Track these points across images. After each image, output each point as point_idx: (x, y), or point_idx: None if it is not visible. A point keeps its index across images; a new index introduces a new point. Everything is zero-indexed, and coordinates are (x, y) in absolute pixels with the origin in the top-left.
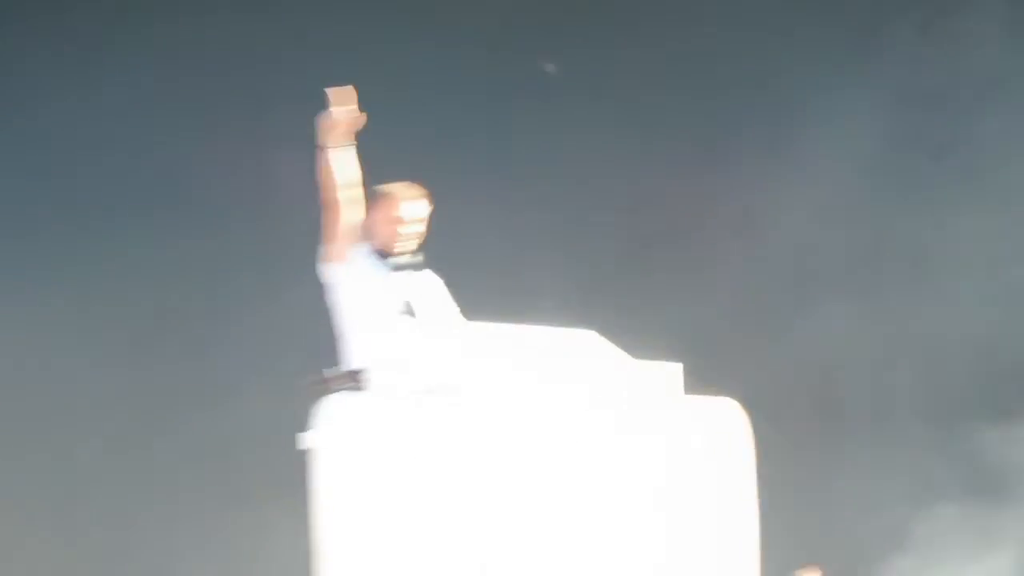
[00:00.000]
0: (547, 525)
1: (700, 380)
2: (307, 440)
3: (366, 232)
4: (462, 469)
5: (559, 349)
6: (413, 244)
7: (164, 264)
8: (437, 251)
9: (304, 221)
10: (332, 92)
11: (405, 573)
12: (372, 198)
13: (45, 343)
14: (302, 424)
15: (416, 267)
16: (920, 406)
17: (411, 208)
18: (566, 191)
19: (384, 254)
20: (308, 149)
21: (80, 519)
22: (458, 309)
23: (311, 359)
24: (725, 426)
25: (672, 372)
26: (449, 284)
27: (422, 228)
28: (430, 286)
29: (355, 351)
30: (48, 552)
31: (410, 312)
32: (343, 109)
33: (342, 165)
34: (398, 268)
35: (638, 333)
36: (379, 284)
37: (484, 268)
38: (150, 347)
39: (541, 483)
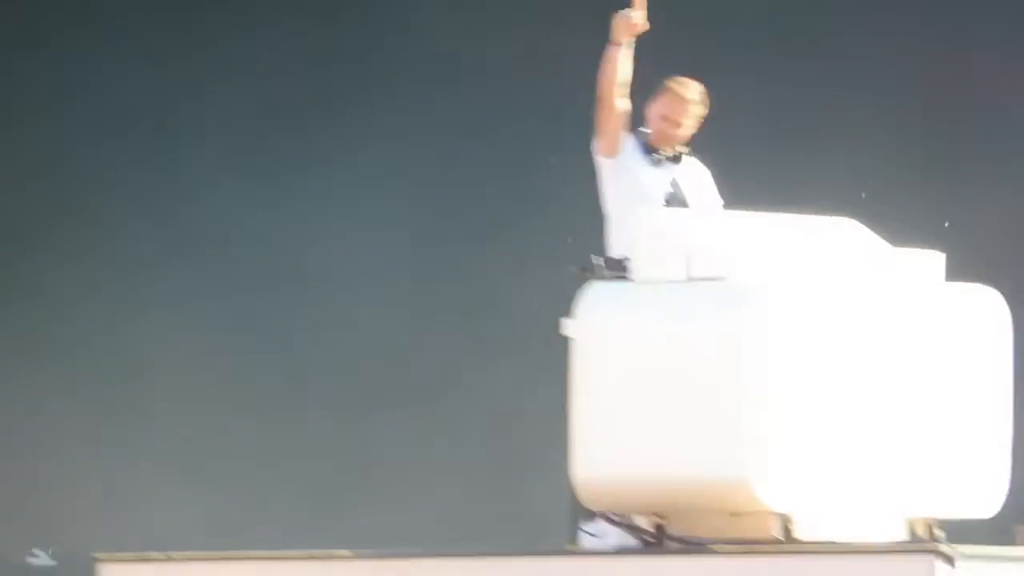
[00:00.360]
0: (818, 408)
1: (963, 271)
2: (570, 326)
3: (642, 121)
4: (721, 351)
5: (820, 236)
6: (681, 141)
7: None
8: (706, 143)
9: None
10: None
11: (660, 455)
12: (656, 90)
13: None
14: (568, 310)
15: (682, 159)
16: None
17: (682, 109)
18: (836, 89)
19: (652, 147)
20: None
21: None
22: (720, 200)
23: (578, 248)
24: (985, 314)
25: (934, 260)
26: (716, 175)
27: (694, 127)
28: (696, 175)
29: (620, 239)
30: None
31: (675, 201)
32: (640, 12)
33: (625, 64)
34: (665, 160)
35: (902, 225)
36: (646, 174)
37: (747, 161)
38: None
39: (806, 366)
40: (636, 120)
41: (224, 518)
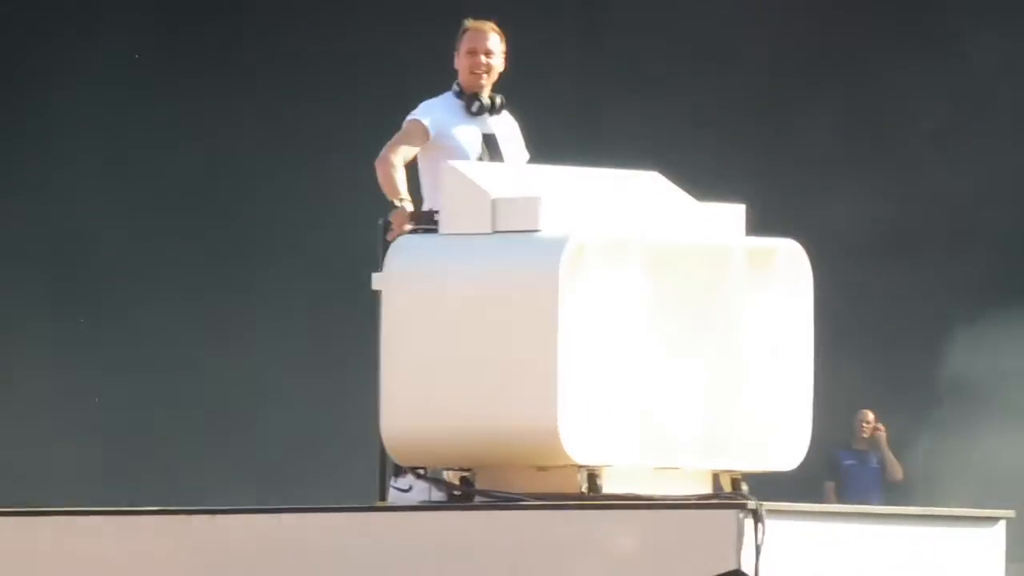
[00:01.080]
0: (624, 362)
1: (764, 224)
2: (378, 280)
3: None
4: (530, 303)
5: (625, 188)
6: (488, 79)
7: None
8: (514, 91)
9: None
10: None
11: (468, 409)
12: (456, 39)
13: None
14: (375, 264)
15: (494, 108)
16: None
17: (483, 38)
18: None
19: (464, 92)
20: None
21: None
22: (527, 155)
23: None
24: (786, 267)
25: (735, 212)
26: (524, 125)
27: (497, 62)
28: (507, 127)
29: (429, 193)
30: None
31: (488, 156)
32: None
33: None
34: (478, 110)
35: (706, 178)
36: (460, 132)
37: (560, 110)
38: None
39: (613, 319)
40: (450, 79)
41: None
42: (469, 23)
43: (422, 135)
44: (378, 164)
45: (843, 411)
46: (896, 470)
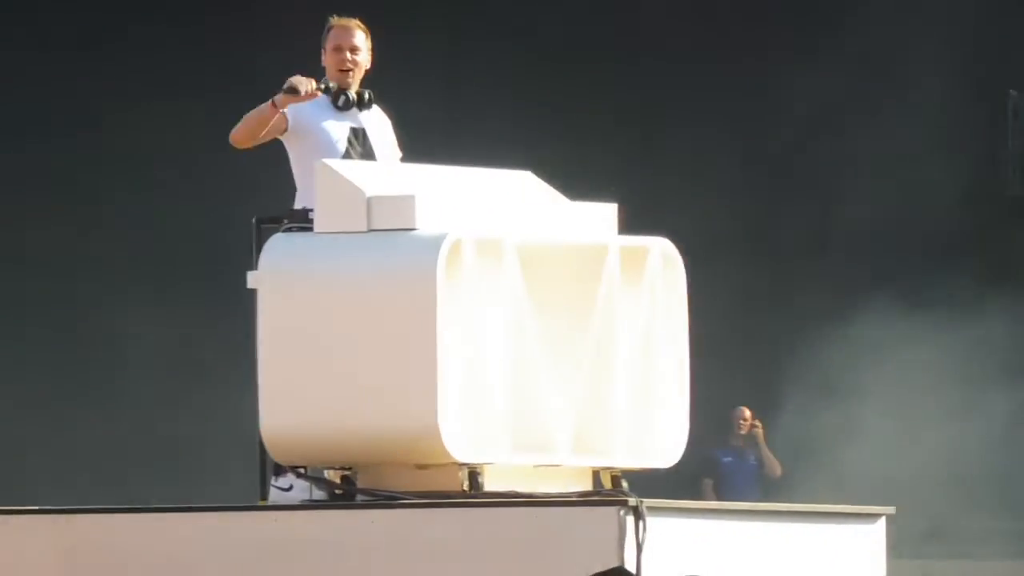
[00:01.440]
0: (503, 359)
1: (636, 223)
2: (254, 278)
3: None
4: (409, 302)
5: (498, 187)
6: (355, 75)
7: None
8: (382, 87)
9: None
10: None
11: (348, 408)
12: (322, 37)
13: None
14: (249, 264)
15: (362, 102)
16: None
17: (349, 35)
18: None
19: (337, 91)
20: None
21: None
22: (399, 152)
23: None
24: (659, 265)
25: (607, 211)
26: (396, 120)
27: (363, 59)
28: (378, 123)
29: (303, 191)
30: None
31: (357, 150)
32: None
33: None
34: (344, 105)
35: (576, 175)
36: (328, 125)
37: (429, 103)
38: None
39: (491, 317)
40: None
41: None
42: (334, 20)
43: (279, 119)
44: (233, 135)
45: (719, 409)
46: (775, 467)
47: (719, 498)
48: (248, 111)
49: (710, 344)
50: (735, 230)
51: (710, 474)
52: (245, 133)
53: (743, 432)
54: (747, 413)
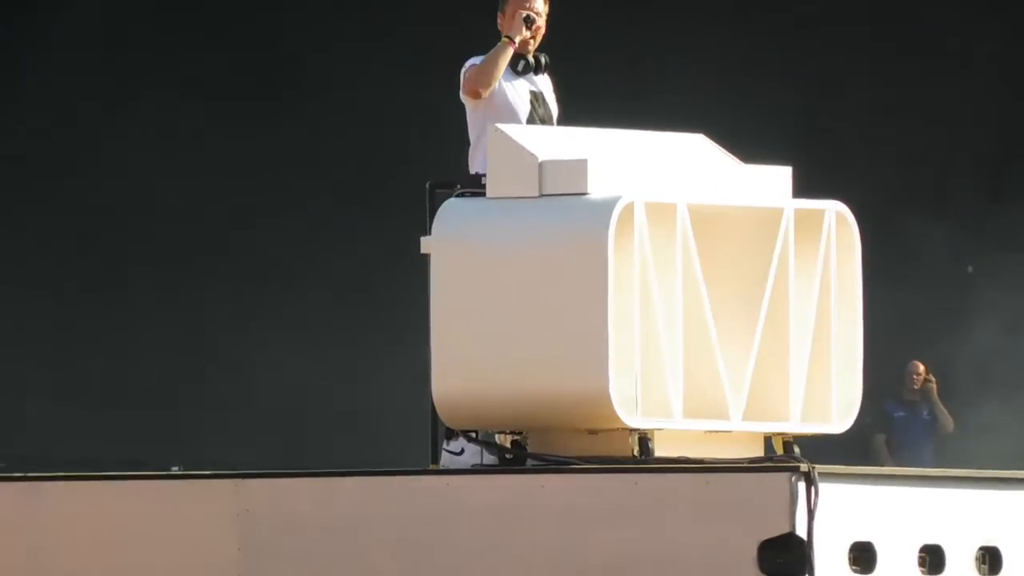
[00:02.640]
0: (676, 325)
1: (810, 185)
2: (427, 244)
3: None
4: (581, 266)
5: (671, 151)
6: (535, 41)
7: None
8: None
9: None
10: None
11: (519, 372)
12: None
13: None
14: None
15: (539, 67)
16: None
17: (531, 1)
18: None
19: (516, 54)
20: None
21: None
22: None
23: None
24: (833, 228)
25: (782, 175)
26: (568, 87)
27: (542, 24)
28: (548, 87)
29: (476, 157)
30: None
31: (537, 115)
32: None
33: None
34: (524, 69)
35: (750, 138)
36: (511, 90)
37: (600, 70)
38: None
39: (664, 282)
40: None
41: None
42: None
43: None
44: (470, 79)
45: (892, 363)
46: (947, 422)
47: (892, 454)
48: None
49: (884, 297)
50: (911, 189)
51: (883, 429)
52: (488, 77)
53: (916, 387)
54: (921, 367)
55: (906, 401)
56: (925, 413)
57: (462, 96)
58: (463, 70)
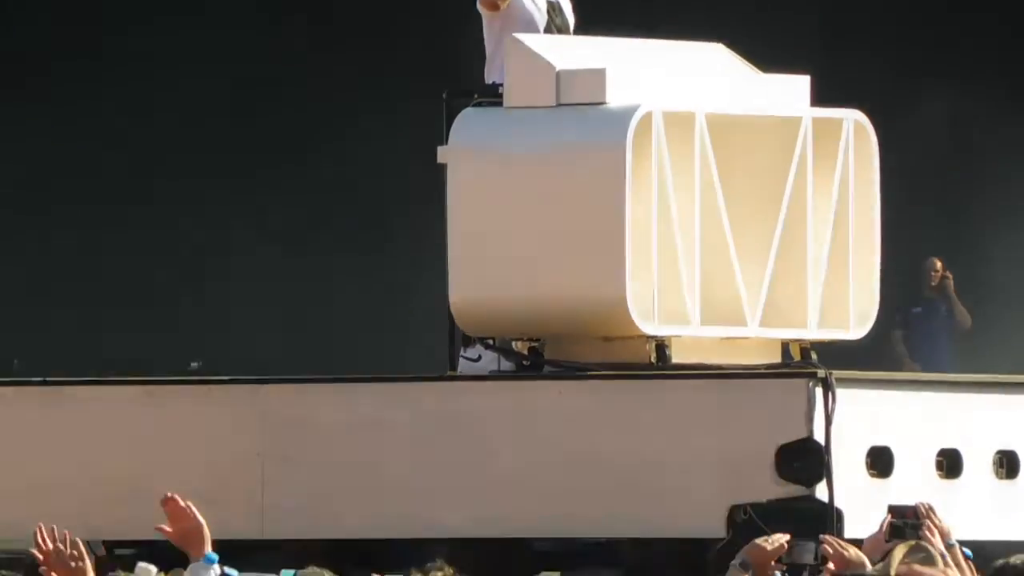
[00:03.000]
0: (692, 233)
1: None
2: (444, 153)
3: None
4: (598, 175)
5: (688, 61)
6: None
7: None
8: None
9: None
10: None
11: (536, 280)
12: None
13: None
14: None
15: None
16: None
17: None
18: None
19: None
20: None
21: None
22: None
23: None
24: (851, 137)
25: (800, 83)
26: None
27: None
28: (567, 9)
29: (493, 68)
30: None
31: (555, 24)
32: None
33: None
34: None
35: (768, 47)
36: (529, 16)
37: None
38: None
39: (680, 191)
40: None
41: None
42: None
43: None
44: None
45: (910, 259)
46: (965, 318)
47: (910, 350)
48: None
49: (904, 194)
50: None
51: (901, 326)
52: None
53: (934, 283)
54: (938, 264)
55: (924, 298)
56: (943, 309)
57: (479, 7)
58: None
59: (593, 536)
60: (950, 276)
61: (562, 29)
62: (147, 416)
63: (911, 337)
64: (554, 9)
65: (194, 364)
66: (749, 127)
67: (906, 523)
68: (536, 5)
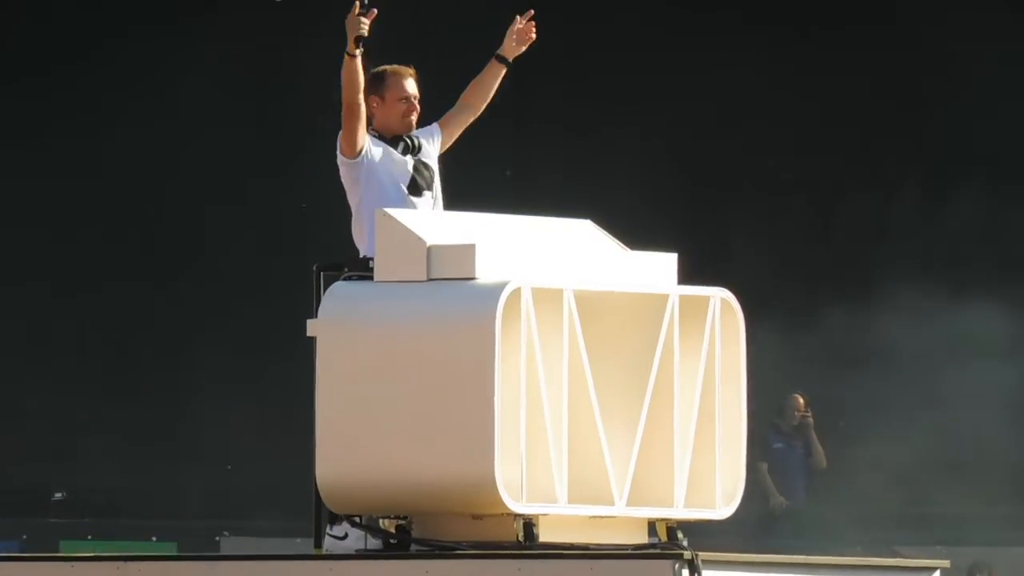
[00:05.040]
0: (561, 410)
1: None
2: (313, 326)
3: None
4: (467, 351)
5: (558, 236)
6: (414, 120)
7: None
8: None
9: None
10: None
11: (404, 457)
12: (373, 83)
13: None
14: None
15: (416, 149)
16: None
17: (410, 84)
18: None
19: (384, 136)
20: None
21: None
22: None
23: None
24: (718, 315)
25: (667, 261)
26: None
27: (416, 104)
28: (432, 152)
29: (362, 238)
30: None
31: (418, 187)
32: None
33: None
34: (404, 151)
35: (636, 227)
36: (391, 164)
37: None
38: None
39: (550, 368)
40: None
41: None
42: (391, 68)
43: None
44: (345, 130)
45: (773, 391)
46: (820, 458)
47: (774, 482)
48: None
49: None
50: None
51: (765, 458)
52: (352, 92)
53: (795, 422)
54: (800, 402)
55: (784, 433)
56: (800, 447)
57: (342, 161)
58: (337, 141)
59: None
60: (810, 415)
61: (430, 182)
62: None
63: (772, 470)
64: (421, 164)
65: (57, 495)
66: (617, 303)
67: None
68: (397, 164)
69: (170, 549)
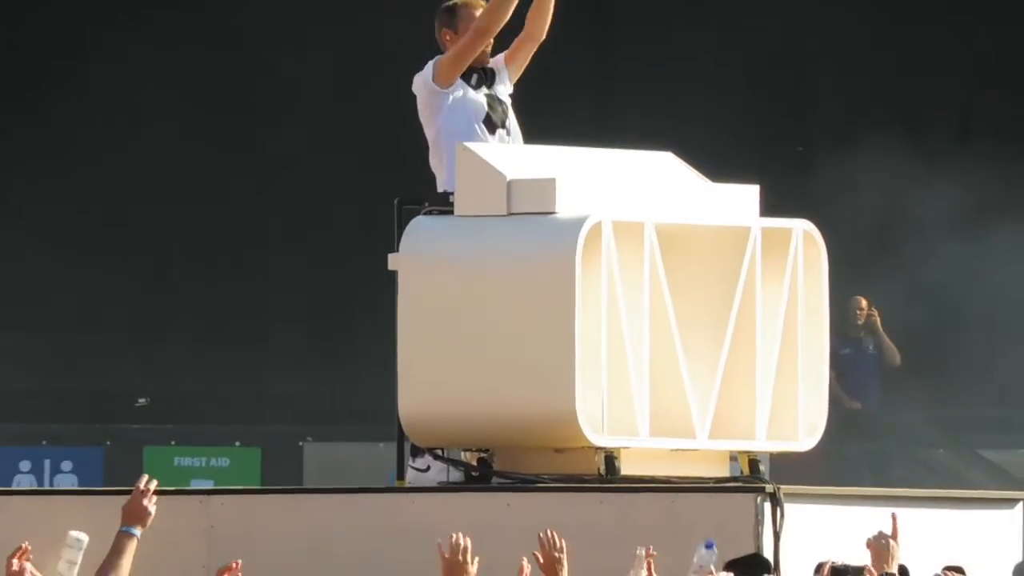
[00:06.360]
0: (642, 344)
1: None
2: (395, 261)
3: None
4: (548, 285)
5: (639, 170)
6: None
7: None
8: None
9: None
10: None
11: (486, 390)
12: (446, 17)
13: None
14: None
15: (491, 79)
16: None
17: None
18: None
19: (473, 67)
20: None
21: None
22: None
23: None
24: (800, 247)
25: (749, 193)
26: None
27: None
28: (507, 95)
29: (441, 171)
30: None
31: (494, 122)
32: None
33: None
34: (477, 83)
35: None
36: (471, 97)
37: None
38: None
39: (631, 302)
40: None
41: None
42: (463, 0)
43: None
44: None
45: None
46: (894, 355)
47: (845, 390)
48: None
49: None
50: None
51: (833, 367)
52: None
53: (860, 322)
54: (863, 302)
55: (851, 337)
56: (871, 347)
57: (432, 89)
58: (429, 67)
59: None
60: (876, 313)
61: (504, 118)
62: (88, 529)
63: (842, 378)
64: (494, 100)
65: (141, 400)
66: (698, 236)
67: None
68: (472, 98)
69: (254, 455)
